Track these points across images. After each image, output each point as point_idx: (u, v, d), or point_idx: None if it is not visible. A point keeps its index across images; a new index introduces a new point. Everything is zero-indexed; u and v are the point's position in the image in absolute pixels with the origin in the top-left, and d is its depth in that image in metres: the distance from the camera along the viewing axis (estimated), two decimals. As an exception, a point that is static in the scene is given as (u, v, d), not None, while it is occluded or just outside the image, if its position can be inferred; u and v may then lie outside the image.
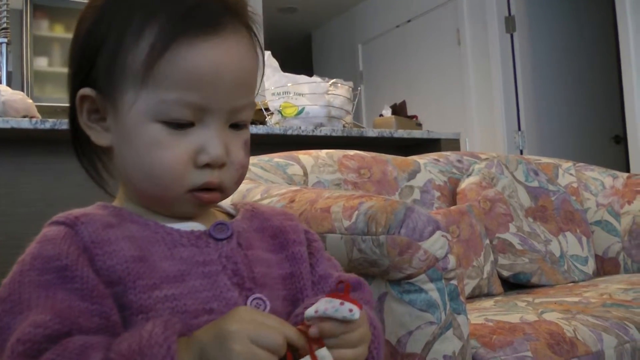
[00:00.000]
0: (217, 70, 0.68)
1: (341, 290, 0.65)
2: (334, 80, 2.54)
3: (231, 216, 0.80)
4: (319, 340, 0.63)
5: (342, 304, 0.63)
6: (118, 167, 0.74)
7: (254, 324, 0.61)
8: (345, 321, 0.64)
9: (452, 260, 1.14)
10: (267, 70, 2.56)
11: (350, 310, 0.63)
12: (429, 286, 1.10)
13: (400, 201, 1.07)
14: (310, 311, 0.64)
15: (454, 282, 1.14)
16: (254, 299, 0.71)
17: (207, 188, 0.70)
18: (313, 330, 0.64)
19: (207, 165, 0.69)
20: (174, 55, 0.67)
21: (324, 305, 0.64)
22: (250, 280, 0.72)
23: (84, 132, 0.75)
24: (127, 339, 0.60)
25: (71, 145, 0.79)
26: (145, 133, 0.69)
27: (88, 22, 0.72)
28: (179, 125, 0.68)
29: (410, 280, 1.08)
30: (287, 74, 2.53)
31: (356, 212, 1.06)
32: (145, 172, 0.70)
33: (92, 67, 0.71)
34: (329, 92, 2.51)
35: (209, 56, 0.68)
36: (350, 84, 2.63)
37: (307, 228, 0.84)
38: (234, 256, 0.72)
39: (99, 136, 0.74)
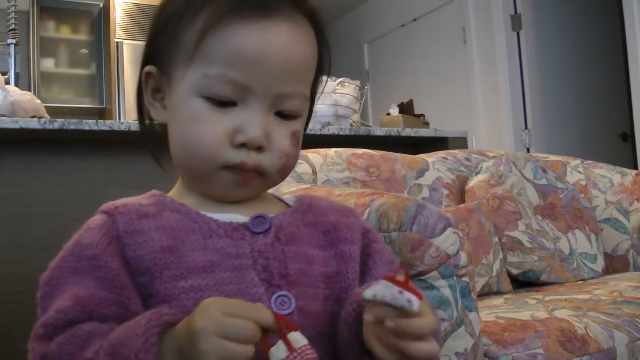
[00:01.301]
0: (262, 51, 0.68)
1: (401, 277, 0.62)
2: (341, 79, 2.54)
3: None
4: (290, 325, 0.61)
5: (400, 292, 0.61)
6: (169, 145, 0.76)
7: (220, 316, 0.57)
8: (403, 311, 0.61)
9: (463, 257, 1.14)
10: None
11: (409, 301, 0.60)
12: (441, 283, 1.10)
13: (411, 198, 1.07)
14: (368, 293, 0.62)
15: (466, 279, 1.14)
16: (278, 296, 0.69)
17: (242, 168, 0.70)
18: (368, 316, 0.63)
19: (244, 146, 0.69)
20: (223, 33, 0.68)
21: (383, 290, 0.61)
22: (281, 277, 0.70)
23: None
24: (121, 328, 0.61)
25: (138, 122, 0.82)
26: (188, 107, 0.70)
27: (162, 2, 0.76)
28: (221, 103, 0.69)
29: (422, 277, 1.08)
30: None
31: (368, 210, 1.06)
32: (182, 145, 0.71)
33: (158, 45, 0.74)
34: (336, 91, 2.51)
35: (256, 36, 0.68)
36: (357, 82, 2.63)
37: (371, 227, 0.80)
38: (267, 251, 0.71)
39: (157, 113, 0.77)
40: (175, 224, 0.71)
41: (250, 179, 0.71)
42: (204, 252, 0.69)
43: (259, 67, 0.68)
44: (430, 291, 1.09)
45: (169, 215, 0.72)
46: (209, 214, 0.73)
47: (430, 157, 2.11)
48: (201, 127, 0.69)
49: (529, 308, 1.47)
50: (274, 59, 0.69)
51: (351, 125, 2.57)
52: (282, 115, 0.71)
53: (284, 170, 0.73)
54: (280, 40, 0.69)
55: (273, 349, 0.59)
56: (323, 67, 0.77)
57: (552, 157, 2.45)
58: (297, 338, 0.60)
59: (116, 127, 2.11)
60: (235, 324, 0.57)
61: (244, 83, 0.69)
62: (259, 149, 0.70)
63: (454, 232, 1.12)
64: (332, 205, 0.79)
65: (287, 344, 0.59)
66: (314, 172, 1.70)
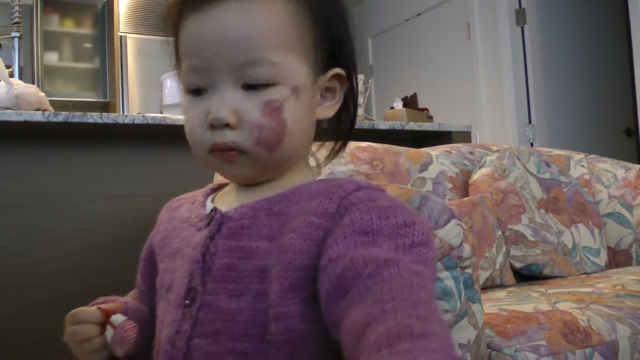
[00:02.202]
0: (204, 30, 0.70)
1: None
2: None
3: None
4: (109, 311, 0.74)
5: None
6: None
7: (68, 326, 0.76)
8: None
9: (467, 249, 1.14)
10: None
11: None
12: (444, 274, 1.10)
13: (415, 190, 1.07)
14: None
15: (469, 270, 1.15)
16: (189, 289, 0.72)
17: (218, 149, 0.71)
18: None
19: (213, 126, 0.70)
20: (182, 30, 0.73)
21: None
22: (204, 270, 0.71)
23: None
24: None
25: None
26: (182, 104, 0.76)
27: None
28: (197, 92, 0.73)
29: (426, 269, 1.08)
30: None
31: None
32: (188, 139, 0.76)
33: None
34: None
35: (200, 19, 0.71)
36: (361, 76, 2.62)
37: (356, 200, 0.67)
38: (202, 244, 0.72)
39: None
40: (180, 216, 0.80)
41: (233, 158, 0.71)
42: (177, 239, 0.78)
43: (210, 46, 0.70)
44: (436, 284, 1.09)
45: (185, 207, 0.81)
46: (212, 204, 0.77)
47: (434, 151, 2.11)
48: (186, 118, 0.74)
49: (532, 301, 1.48)
50: (221, 35, 0.69)
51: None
52: (252, 86, 0.70)
53: (264, 143, 0.70)
54: (220, 15, 0.70)
55: (107, 332, 0.74)
56: (335, 27, 0.75)
57: (556, 152, 2.45)
58: (118, 318, 0.74)
59: (120, 120, 2.11)
60: (73, 329, 0.75)
61: (201, 66, 0.71)
62: (227, 126, 0.70)
63: (457, 224, 1.12)
64: (317, 190, 0.70)
65: (110, 324, 0.74)
66: (318, 165, 1.69)
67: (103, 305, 0.75)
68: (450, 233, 1.11)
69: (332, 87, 0.76)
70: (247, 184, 0.76)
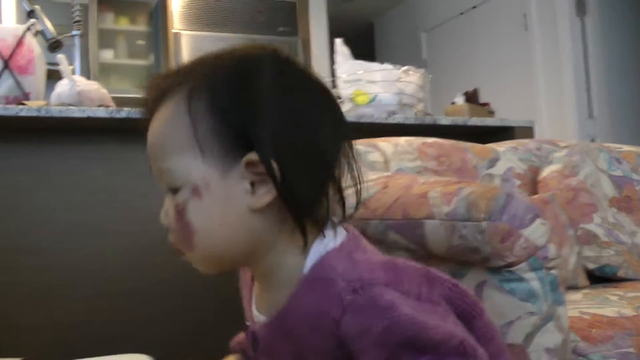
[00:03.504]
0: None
1: None
2: (405, 67, 2.49)
3: None
4: None
5: None
6: None
7: None
8: None
9: (552, 249, 1.09)
10: (339, 58, 2.53)
11: None
12: (530, 275, 1.05)
13: (499, 187, 1.03)
14: None
15: (554, 271, 1.09)
16: None
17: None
18: None
19: None
20: None
21: None
22: None
23: None
24: None
25: None
26: None
27: None
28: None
29: (511, 269, 1.03)
30: (358, 61, 2.49)
31: (455, 198, 1.02)
32: None
33: None
34: (401, 80, 2.46)
35: None
36: (422, 71, 2.57)
37: (350, 334, 0.66)
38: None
39: None
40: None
41: (181, 256, 0.75)
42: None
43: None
44: (519, 283, 1.04)
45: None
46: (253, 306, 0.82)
47: (501, 147, 2.05)
48: None
49: (612, 304, 1.41)
50: (148, 149, 0.74)
51: (416, 114, 2.52)
52: (172, 191, 0.72)
53: (180, 244, 0.73)
54: (150, 131, 0.74)
55: None
56: (238, 113, 0.69)
57: (625, 148, 2.35)
58: None
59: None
60: None
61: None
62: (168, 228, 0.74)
63: (542, 223, 1.07)
64: (306, 312, 0.70)
65: None
66: (386, 161, 1.66)
67: None
68: (536, 232, 1.06)
69: (260, 173, 0.68)
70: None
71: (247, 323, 0.83)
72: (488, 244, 0.99)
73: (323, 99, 0.75)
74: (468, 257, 1.04)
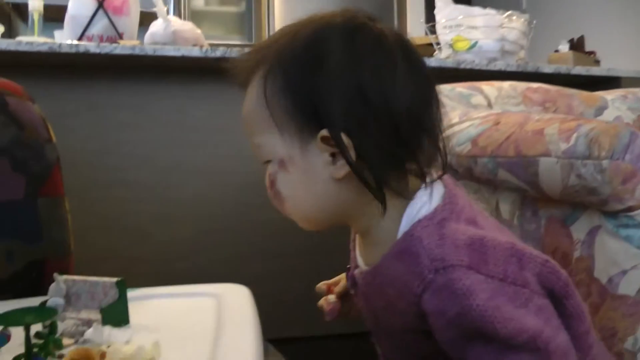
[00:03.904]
0: None
1: None
2: (509, 12, 2.40)
3: None
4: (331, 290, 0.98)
5: None
6: None
7: None
8: None
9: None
10: (438, 3, 2.46)
11: None
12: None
13: (623, 125, 0.98)
14: None
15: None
16: None
17: None
18: None
19: None
20: None
21: None
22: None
23: None
24: None
25: None
26: None
27: None
28: None
29: (630, 214, 0.98)
30: (459, 5, 2.42)
31: (575, 135, 0.97)
32: None
33: None
34: (504, 26, 2.38)
35: None
36: (526, 16, 2.48)
37: (428, 301, 0.70)
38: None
39: None
40: None
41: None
42: None
43: None
44: (636, 230, 0.99)
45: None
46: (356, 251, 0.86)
47: (609, 95, 1.96)
48: None
49: None
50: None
51: (517, 61, 2.44)
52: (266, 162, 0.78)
53: (283, 209, 0.79)
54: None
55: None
56: (312, 91, 0.72)
57: None
58: (330, 297, 0.97)
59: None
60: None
61: None
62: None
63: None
64: (394, 277, 0.74)
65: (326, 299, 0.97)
66: (489, 104, 1.61)
67: (331, 282, 0.99)
68: (659, 174, 1.00)
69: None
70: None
71: (348, 266, 0.88)
72: (608, 184, 0.94)
73: (401, 64, 0.73)
74: (584, 199, 0.99)
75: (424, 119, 0.73)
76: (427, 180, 0.74)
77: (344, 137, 0.69)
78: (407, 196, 0.74)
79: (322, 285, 0.98)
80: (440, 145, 0.75)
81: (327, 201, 0.75)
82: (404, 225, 0.73)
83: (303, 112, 0.71)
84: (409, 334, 0.77)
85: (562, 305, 0.71)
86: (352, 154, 0.70)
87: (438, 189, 0.75)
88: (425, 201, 0.73)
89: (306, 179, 0.74)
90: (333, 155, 0.72)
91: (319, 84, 0.70)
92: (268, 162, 0.77)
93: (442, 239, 0.69)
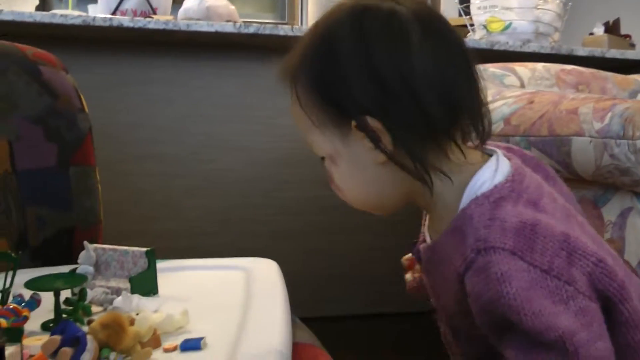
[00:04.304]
0: None
1: None
2: (544, -7, 2.36)
3: None
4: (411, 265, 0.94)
5: None
6: None
7: None
8: None
9: None
10: (473, -17, 2.43)
11: None
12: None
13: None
14: None
15: None
16: None
17: None
18: None
19: None
20: None
21: None
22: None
23: None
24: None
25: None
26: None
27: None
28: None
29: (663, 195, 0.97)
30: (494, -15, 2.39)
31: (609, 114, 0.96)
32: None
33: None
34: (539, 7, 2.34)
35: None
36: (562, -4, 2.44)
37: (468, 281, 0.69)
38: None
39: None
40: None
41: None
42: None
43: None
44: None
45: None
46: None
47: (644, 78, 1.93)
48: None
49: None
50: None
51: (551, 43, 2.40)
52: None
53: (346, 200, 0.80)
54: None
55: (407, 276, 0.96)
56: (333, 86, 0.72)
57: None
58: (408, 277, 0.96)
59: (311, 34, 2.09)
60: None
61: None
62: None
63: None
64: (446, 254, 0.73)
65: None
66: (522, 86, 1.59)
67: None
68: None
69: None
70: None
71: (415, 240, 0.87)
72: (641, 164, 0.93)
73: (417, 39, 0.70)
74: (616, 179, 0.98)
75: (453, 93, 0.70)
76: (481, 156, 0.75)
77: (371, 121, 0.69)
78: (452, 172, 0.73)
79: (404, 259, 0.95)
80: (480, 120, 0.73)
81: (382, 186, 0.75)
82: (464, 201, 0.71)
83: (330, 105, 0.72)
84: (459, 316, 0.75)
85: (617, 310, 0.68)
86: (386, 137, 0.70)
87: (504, 165, 0.73)
88: (487, 177, 0.72)
89: (355, 168, 0.75)
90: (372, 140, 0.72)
91: (336, 75, 0.71)
92: (323, 158, 0.78)
93: (492, 219, 0.67)
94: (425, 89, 0.69)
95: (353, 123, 0.71)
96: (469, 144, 0.74)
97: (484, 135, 0.74)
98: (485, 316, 0.67)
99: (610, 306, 0.67)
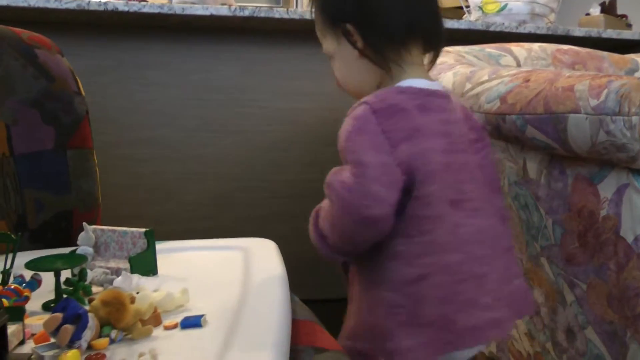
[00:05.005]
0: None
1: None
2: (540, -27, 2.35)
3: None
4: None
5: None
6: None
7: None
8: None
9: None
10: (468, -37, 2.43)
11: None
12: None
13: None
14: None
15: None
16: None
17: None
18: None
19: None
20: None
21: None
22: None
23: None
24: None
25: None
26: None
27: None
28: None
29: (658, 172, 0.98)
30: (489, -34, 2.38)
31: (605, 91, 0.96)
32: None
33: None
34: (534, -13, 2.34)
35: None
36: (555, -22, 2.43)
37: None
38: None
39: None
40: None
41: None
42: None
43: None
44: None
45: None
46: None
47: (640, 58, 1.93)
48: None
49: None
50: None
51: (547, 24, 2.40)
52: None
53: (343, 88, 1.06)
54: None
55: None
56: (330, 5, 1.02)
57: None
58: None
59: (307, 16, 2.08)
60: None
61: None
62: None
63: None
64: None
65: None
66: (518, 65, 1.59)
67: None
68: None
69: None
70: None
71: None
72: (637, 141, 0.93)
73: None
74: (612, 156, 0.99)
75: (412, 14, 0.96)
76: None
77: (349, 27, 0.96)
78: (406, 70, 0.97)
79: None
80: (433, 39, 0.99)
81: (362, 75, 1.00)
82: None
83: (329, 17, 1.01)
84: None
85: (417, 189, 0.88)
86: (359, 39, 0.97)
87: (418, 84, 0.96)
88: (409, 78, 0.96)
89: (344, 63, 1.01)
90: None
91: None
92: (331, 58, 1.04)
93: (376, 95, 0.92)
94: (390, 8, 0.95)
95: (342, 30, 0.98)
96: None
97: (436, 52, 1.01)
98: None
99: (415, 184, 0.88)
